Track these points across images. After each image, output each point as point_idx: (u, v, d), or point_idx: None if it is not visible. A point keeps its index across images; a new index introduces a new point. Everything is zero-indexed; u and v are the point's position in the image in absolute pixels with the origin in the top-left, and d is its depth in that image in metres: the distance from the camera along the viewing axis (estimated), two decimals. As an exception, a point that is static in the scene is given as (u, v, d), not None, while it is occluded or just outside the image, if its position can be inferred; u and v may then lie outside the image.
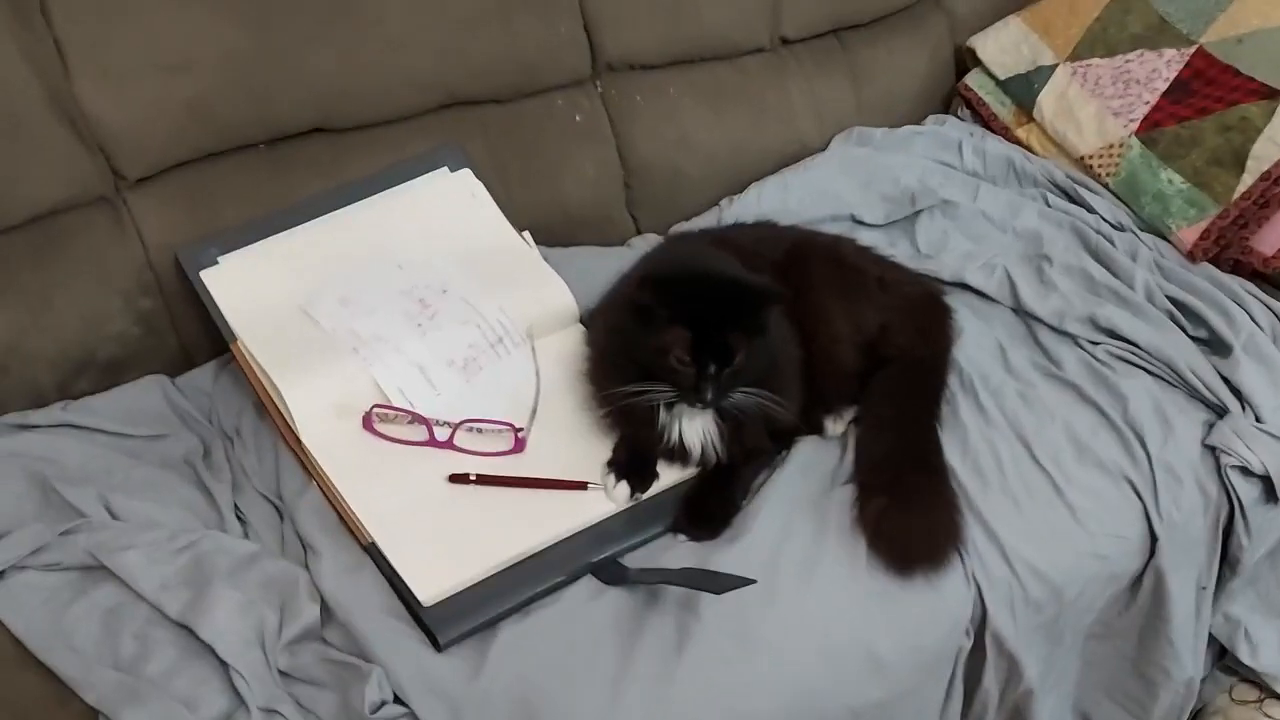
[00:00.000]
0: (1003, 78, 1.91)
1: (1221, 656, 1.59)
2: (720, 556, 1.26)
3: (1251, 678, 1.58)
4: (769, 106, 1.87)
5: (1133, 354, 1.50)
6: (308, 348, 1.42)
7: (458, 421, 1.36)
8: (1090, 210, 1.72)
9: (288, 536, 1.32)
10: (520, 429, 1.36)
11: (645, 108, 1.79)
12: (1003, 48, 1.92)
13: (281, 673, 1.16)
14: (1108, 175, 1.74)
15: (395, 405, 1.38)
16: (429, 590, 1.20)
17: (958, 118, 1.98)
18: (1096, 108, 1.78)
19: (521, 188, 1.71)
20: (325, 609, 1.21)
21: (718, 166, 1.84)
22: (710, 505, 1.32)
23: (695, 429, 1.30)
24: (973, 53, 1.98)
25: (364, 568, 1.25)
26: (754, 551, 1.26)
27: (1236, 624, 1.52)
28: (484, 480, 1.32)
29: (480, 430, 1.37)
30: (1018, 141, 1.90)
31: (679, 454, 1.32)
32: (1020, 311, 1.59)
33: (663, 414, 1.29)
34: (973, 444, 1.40)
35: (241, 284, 1.49)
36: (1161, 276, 1.62)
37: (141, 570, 1.20)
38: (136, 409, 1.47)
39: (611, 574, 1.25)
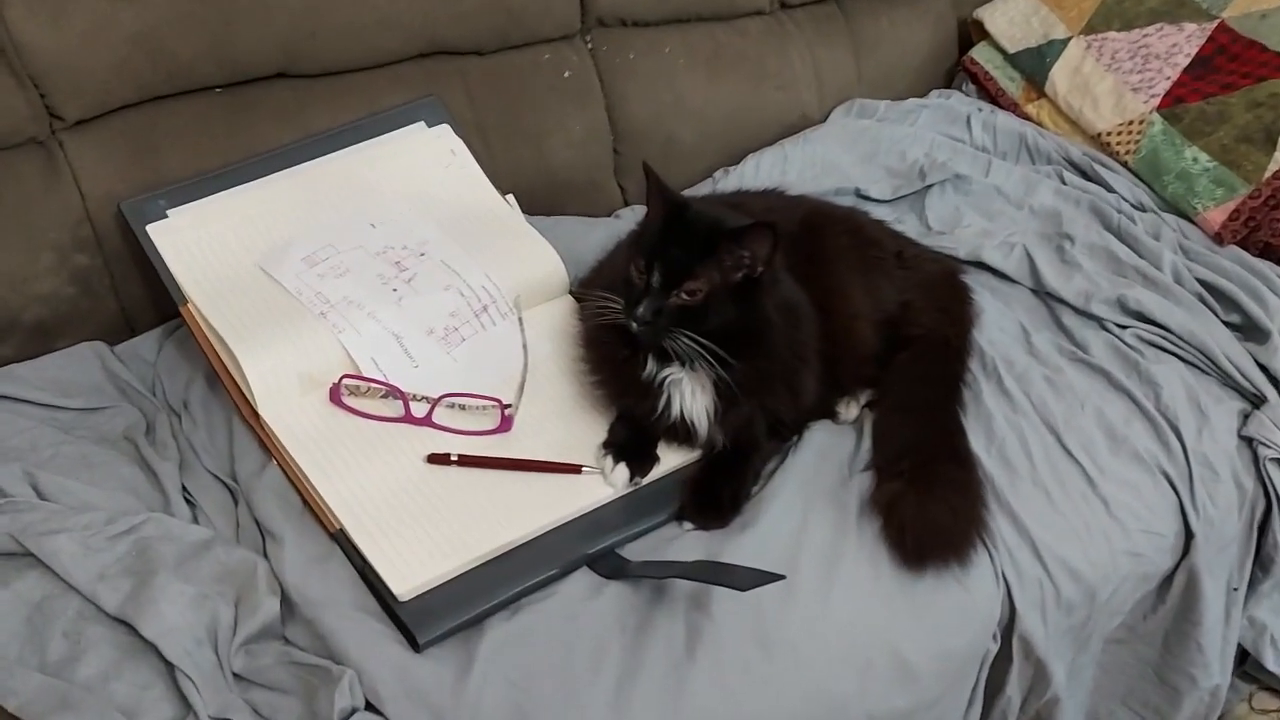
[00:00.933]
0: (1011, 51, 1.82)
1: (1241, 663, 1.49)
2: (732, 549, 1.13)
3: (1274, 685, 1.49)
4: (769, 73, 1.75)
5: (1163, 338, 1.40)
6: (269, 312, 1.27)
7: (437, 396, 1.21)
8: (1109, 189, 1.62)
9: (243, 522, 1.17)
10: (508, 405, 1.22)
11: (638, 67, 1.66)
12: (1011, 20, 1.82)
13: (236, 676, 1.02)
14: (1127, 153, 1.65)
15: (367, 376, 1.23)
16: (406, 583, 1.07)
17: (962, 93, 1.88)
18: (1114, 83, 1.68)
19: (503, 147, 1.57)
20: (287, 603, 1.07)
21: (713, 134, 1.71)
22: (718, 491, 1.19)
23: (698, 404, 1.17)
24: (979, 25, 1.88)
25: (331, 557, 1.11)
26: (770, 544, 1.14)
27: (1262, 628, 1.42)
28: (466, 461, 1.18)
29: (463, 406, 1.23)
30: (1027, 118, 1.80)
31: (680, 433, 1.20)
32: (1041, 292, 1.49)
33: (660, 384, 1.17)
34: (999, 432, 1.29)
35: (193, 241, 1.34)
36: (1187, 259, 1.52)
37: (74, 558, 1.04)
38: (69, 378, 1.31)
39: (611, 566, 1.13)
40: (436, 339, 1.29)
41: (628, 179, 1.69)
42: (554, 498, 1.16)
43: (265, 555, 1.12)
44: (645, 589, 1.11)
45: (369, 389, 1.23)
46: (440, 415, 1.21)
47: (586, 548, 1.13)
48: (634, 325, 1.11)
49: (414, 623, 1.04)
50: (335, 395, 1.22)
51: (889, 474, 1.21)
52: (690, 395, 1.17)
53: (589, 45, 1.65)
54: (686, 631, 1.07)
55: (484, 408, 1.22)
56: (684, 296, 1.11)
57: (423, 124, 1.48)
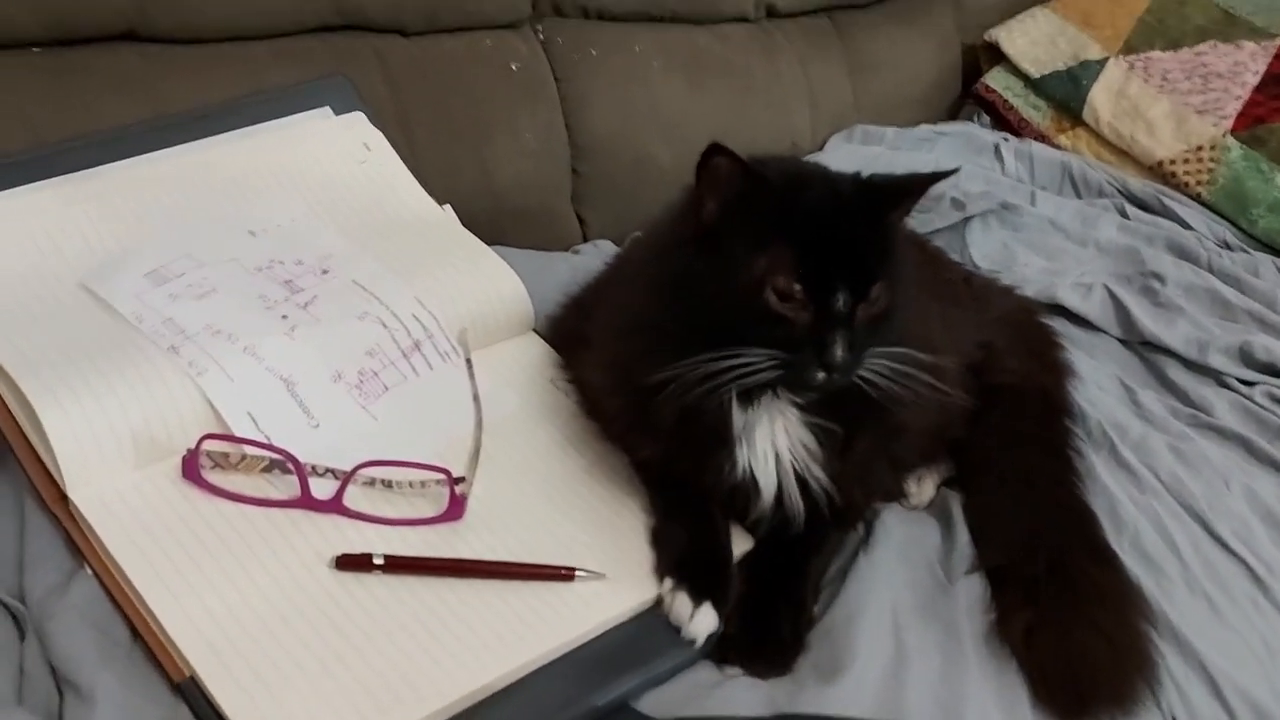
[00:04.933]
0: (1036, 75, 1.55)
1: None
2: (810, 701, 0.74)
3: None
4: (757, 87, 1.44)
5: (1303, 397, 1.09)
6: (90, 346, 0.85)
7: (351, 468, 0.80)
8: (1185, 225, 1.33)
9: (31, 667, 0.73)
10: (459, 480, 0.82)
11: (603, 66, 1.32)
12: (1034, 41, 1.56)
13: None
14: (1199, 184, 1.37)
15: (242, 438, 0.82)
16: (300, 768, 0.64)
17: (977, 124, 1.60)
18: (1171, 105, 1.42)
19: (434, 152, 1.20)
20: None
21: (694, 154, 1.36)
22: (774, 617, 0.80)
23: (768, 443, 0.79)
24: (993, 49, 1.61)
25: (174, 725, 0.68)
26: (862, 692, 0.75)
27: None
28: (397, 566, 0.77)
29: (390, 483, 0.82)
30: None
31: (747, 497, 0.82)
32: (1133, 343, 1.17)
33: (734, 423, 0.79)
34: (1127, 518, 0.95)
35: (-16, 247, 0.91)
36: (1293, 306, 1.23)
37: None
38: None
39: (628, 730, 0.72)
40: (347, 387, 0.88)
41: (589, 207, 1.34)
42: (534, 621, 0.76)
43: (62, 722, 0.68)
44: (686, 764, 0.71)
45: (244, 458, 0.81)
46: (356, 497, 0.80)
47: (590, 699, 0.73)
48: (820, 376, 0.74)
49: (314, 837, 0.62)
50: (191, 468, 0.80)
51: (1013, 584, 0.84)
52: (767, 439, 0.79)
53: (540, 36, 1.30)
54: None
55: (423, 484, 0.82)
56: (866, 307, 0.76)
57: (328, 110, 1.10)
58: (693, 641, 0.77)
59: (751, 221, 0.76)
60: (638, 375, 0.78)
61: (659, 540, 0.82)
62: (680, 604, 0.77)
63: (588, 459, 0.88)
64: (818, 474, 0.80)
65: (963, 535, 0.90)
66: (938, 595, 0.85)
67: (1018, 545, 0.87)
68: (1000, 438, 0.96)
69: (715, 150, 0.75)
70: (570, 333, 0.96)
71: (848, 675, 0.76)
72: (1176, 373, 1.14)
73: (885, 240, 0.77)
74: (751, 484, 0.80)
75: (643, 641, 0.77)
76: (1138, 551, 0.93)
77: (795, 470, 0.80)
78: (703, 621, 0.76)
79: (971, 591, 0.85)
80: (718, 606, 0.77)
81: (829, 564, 0.87)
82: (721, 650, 0.79)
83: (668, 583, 0.78)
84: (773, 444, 0.79)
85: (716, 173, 0.76)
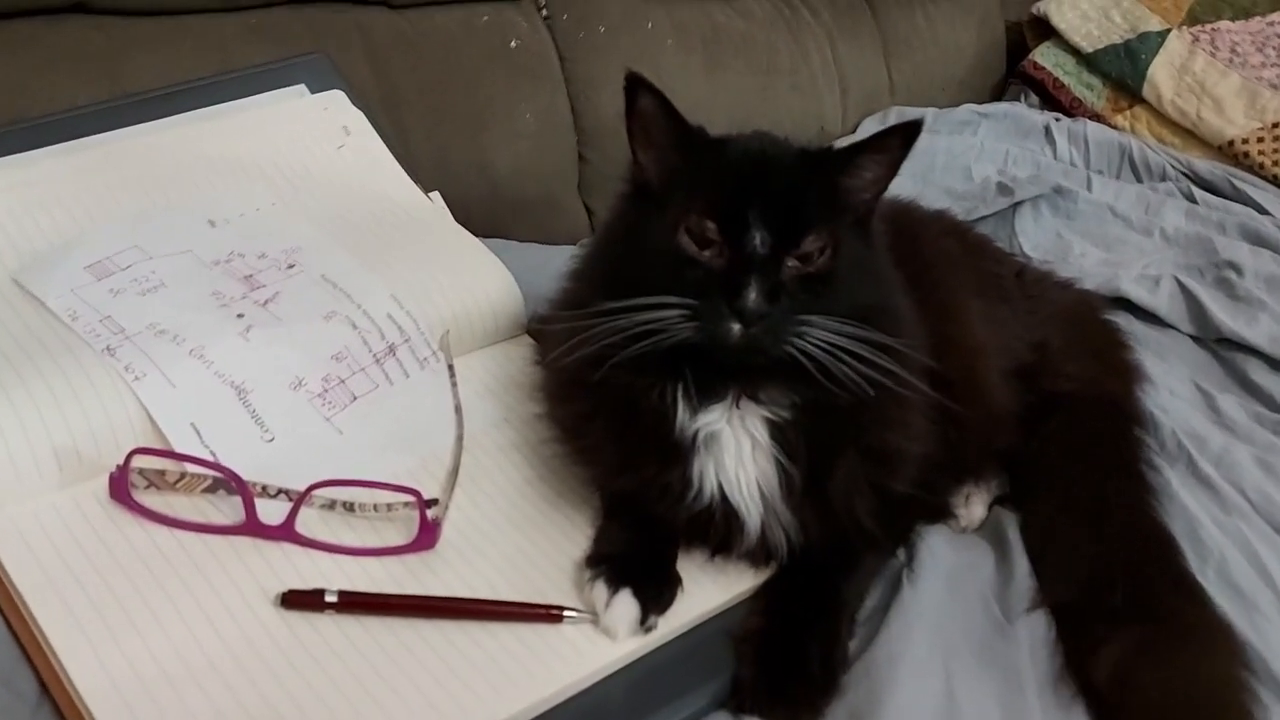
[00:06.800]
0: (1089, 51, 1.43)
1: None
2: (841, 758, 0.62)
3: None
4: (781, 68, 1.32)
5: (1406, 403, 0.96)
6: (10, 348, 0.75)
7: (305, 488, 0.69)
8: (1260, 210, 1.20)
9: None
10: (431, 503, 0.70)
11: (612, 44, 1.22)
12: (1086, 14, 1.44)
13: None
14: (1275, 164, 1.24)
15: (181, 453, 0.71)
16: None
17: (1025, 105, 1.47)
18: (1241, 80, 1.30)
19: (424, 136, 1.10)
20: None
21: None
22: (803, 653, 0.68)
23: (748, 474, 0.69)
24: (1040, 23, 1.49)
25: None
26: (909, 746, 0.64)
27: None
28: (354, 604, 0.65)
29: (352, 506, 0.71)
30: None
31: (713, 529, 0.71)
32: (1207, 340, 1.05)
33: (692, 442, 0.68)
34: (1211, 544, 0.82)
35: (-93, 240, 0.81)
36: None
37: None
38: None
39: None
40: (309, 395, 0.77)
41: (597, 196, 1.23)
42: (515, 670, 0.64)
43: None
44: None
45: (184, 476, 0.70)
46: (310, 521, 0.69)
47: (580, 765, 0.61)
48: (735, 329, 0.64)
49: None
50: (119, 488, 0.69)
51: (1088, 621, 0.72)
52: (735, 459, 0.69)
53: (543, 11, 1.19)
54: None
55: (390, 507, 0.70)
56: (798, 263, 0.65)
57: (303, 88, 0.99)
58: (613, 637, 0.66)
59: (679, 171, 0.68)
60: (565, 370, 0.69)
61: (596, 539, 0.73)
62: (596, 591, 0.67)
63: (582, 481, 0.76)
64: (779, 508, 0.69)
65: (1021, 564, 0.78)
66: (994, 635, 0.73)
67: (1087, 577, 0.75)
68: (1061, 451, 0.84)
69: (636, 83, 0.68)
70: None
71: (886, 721, 0.64)
72: (1260, 374, 1.01)
73: (833, 199, 0.68)
74: (722, 511, 0.69)
75: (641, 693, 0.66)
76: (1225, 582, 0.80)
77: (773, 502, 0.69)
78: (620, 610, 0.66)
79: (1034, 632, 0.73)
80: (642, 598, 0.67)
81: (866, 590, 0.75)
82: (737, 696, 0.67)
83: (587, 573, 0.69)
84: (741, 465, 0.68)
85: (645, 117, 0.68)
